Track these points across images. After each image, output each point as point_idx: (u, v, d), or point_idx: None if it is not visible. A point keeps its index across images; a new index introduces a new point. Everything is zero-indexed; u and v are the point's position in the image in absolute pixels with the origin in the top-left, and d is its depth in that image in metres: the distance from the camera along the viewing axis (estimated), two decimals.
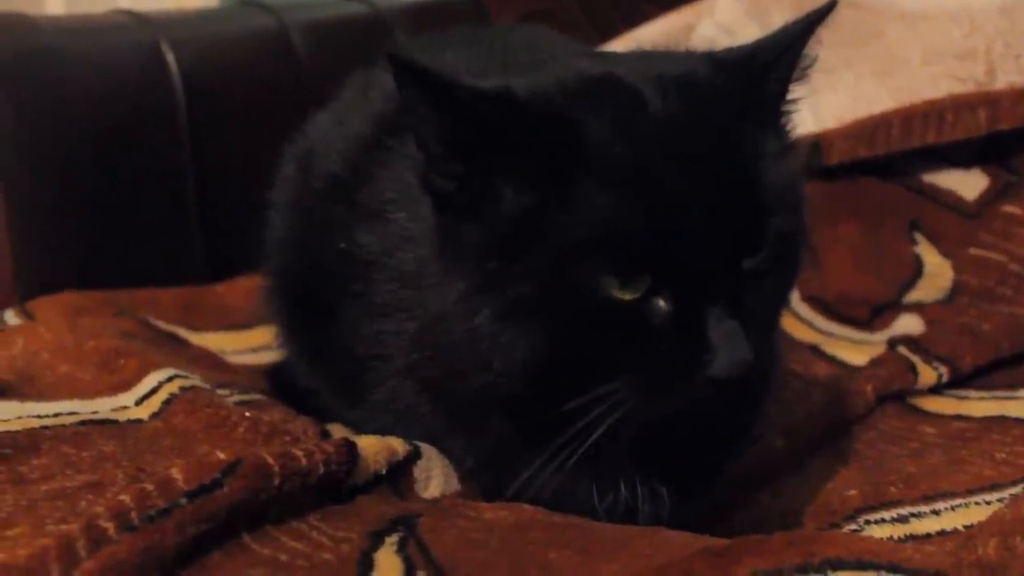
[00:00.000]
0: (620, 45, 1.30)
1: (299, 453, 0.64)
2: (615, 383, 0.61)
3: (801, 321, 1.10)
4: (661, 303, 0.61)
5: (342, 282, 0.76)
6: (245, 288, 1.11)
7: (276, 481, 0.61)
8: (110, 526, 0.57)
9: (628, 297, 0.60)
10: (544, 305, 0.61)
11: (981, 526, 0.64)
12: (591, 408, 0.62)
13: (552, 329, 0.61)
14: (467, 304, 0.63)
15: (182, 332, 1.04)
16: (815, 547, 0.56)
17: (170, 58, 1.17)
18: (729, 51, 0.68)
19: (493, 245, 0.62)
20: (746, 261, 0.62)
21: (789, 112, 0.70)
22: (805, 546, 0.56)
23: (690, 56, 0.69)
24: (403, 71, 0.60)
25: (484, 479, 0.72)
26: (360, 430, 0.81)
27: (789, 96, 0.69)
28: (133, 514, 0.57)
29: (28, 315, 1.00)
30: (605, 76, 0.64)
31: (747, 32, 1.25)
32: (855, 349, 1.04)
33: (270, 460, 0.62)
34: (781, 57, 0.66)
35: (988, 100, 1.10)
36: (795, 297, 1.13)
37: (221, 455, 0.63)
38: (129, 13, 1.24)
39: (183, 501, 0.58)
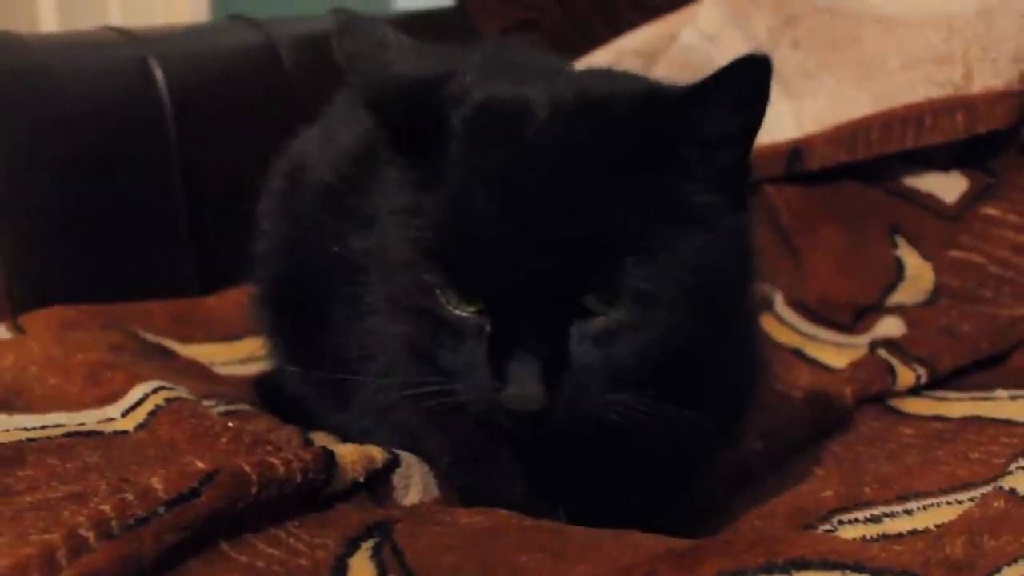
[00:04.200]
0: (604, 53, 1.31)
1: (277, 462, 0.65)
2: (450, 380, 0.64)
3: (784, 324, 1.11)
4: (487, 326, 0.62)
5: (332, 286, 0.79)
6: (235, 300, 1.13)
7: (253, 489, 0.63)
8: (90, 535, 0.58)
9: (460, 312, 0.63)
10: (401, 304, 0.66)
11: (950, 525, 0.65)
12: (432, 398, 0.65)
13: (409, 323, 0.66)
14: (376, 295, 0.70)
15: (172, 344, 1.05)
16: (779, 547, 0.57)
17: (158, 74, 1.19)
18: (673, 88, 0.65)
19: (377, 245, 0.68)
20: (600, 308, 0.61)
21: (741, 178, 0.66)
22: (769, 546, 0.57)
23: (633, 83, 0.68)
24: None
25: (460, 479, 0.73)
26: (344, 433, 0.83)
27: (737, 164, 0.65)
28: (113, 523, 0.59)
29: (19, 329, 1.02)
30: (503, 97, 0.64)
31: (729, 39, 1.27)
32: (837, 352, 1.05)
33: (247, 469, 0.63)
34: (712, 112, 0.62)
35: (966, 104, 1.11)
36: (778, 300, 1.14)
37: (200, 464, 0.64)
38: (117, 30, 1.25)
39: (161, 510, 0.59)
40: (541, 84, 0.65)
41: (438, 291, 0.63)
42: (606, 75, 0.76)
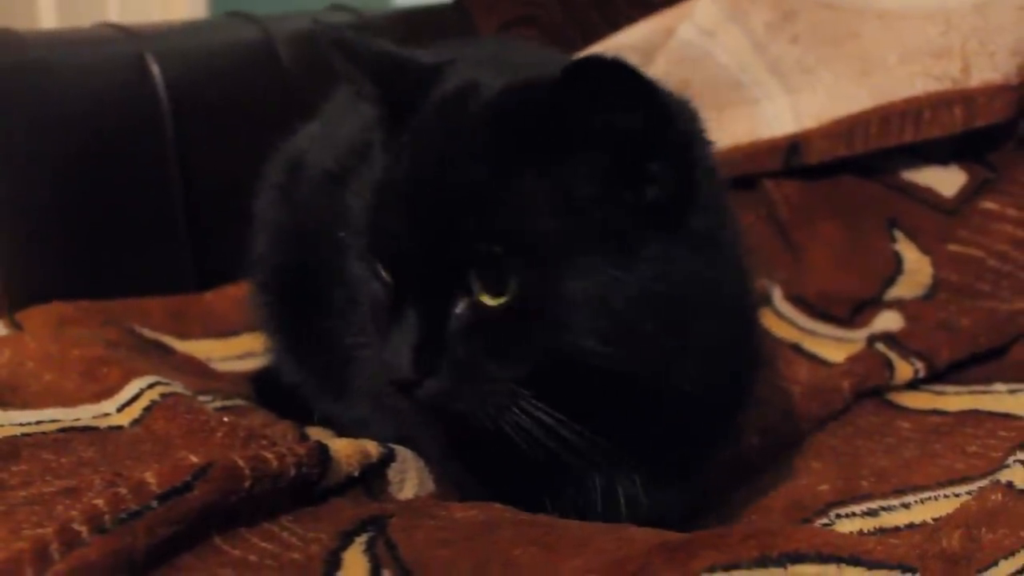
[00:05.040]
0: (601, 49, 1.31)
1: (270, 456, 0.65)
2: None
3: (783, 319, 1.11)
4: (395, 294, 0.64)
5: (333, 271, 0.79)
6: (232, 296, 1.13)
7: (246, 484, 0.63)
8: (83, 529, 0.58)
9: (386, 279, 0.64)
10: (361, 274, 0.68)
11: (947, 518, 0.65)
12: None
13: (367, 296, 0.68)
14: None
15: (169, 340, 1.06)
16: (774, 540, 0.57)
17: (155, 70, 1.18)
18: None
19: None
20: (482, 292, 0.61)
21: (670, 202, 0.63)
22: (764, 539, 0.57)
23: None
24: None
25: (452, 472, 0.73)
26: (340, 421, 0.84)
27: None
28: (106, 517, 0.59)
29: (17, 325, 1.02)
30: (464, 82, 0.66)
31: (726, 34, 1.26)
32: (836, 346, 1.04)
33: (240, 463, 0.63)
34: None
35: (964, 97, 1.11)
36: (777, 295, 1.13)
37: (194, 459, 0.64)
38: (114, 26, 1.25)
39: (154, 504, 0.59)
40: (508, 74, 0.66)
41: (375, 257, 0.65)
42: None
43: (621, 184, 0.61)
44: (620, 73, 0.58)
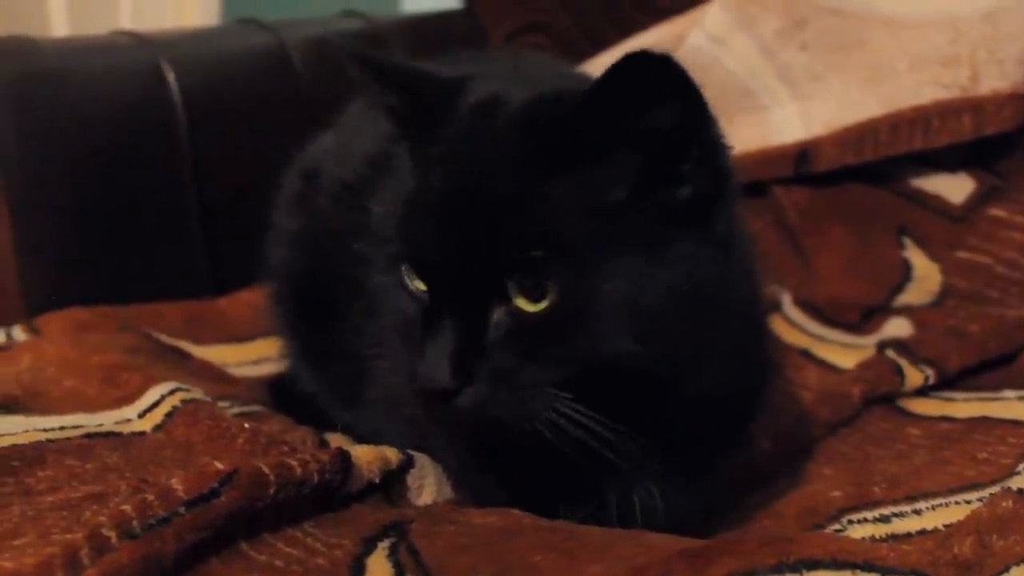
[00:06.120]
0: (611, 56, 1.31)
1: (294, 463, 0.66)
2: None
3: (792, 325, 1.12)
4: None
5: (349, 283, 0.80)
6: (247, 302, 1.14)
7: (271, 490, 0.64)
8: (112, 535, 0.59)
9: (419, 289, 0.65)
10: (386, 283, 0.70)
11: (959, 525, 0.66)
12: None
13: (391, 304, 0.69)
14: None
15: (185, 345, 1.07)
16: (790, 547, 0.58)
17: (170, 76, 1.20)
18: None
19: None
20: (521, 298, 0.62)
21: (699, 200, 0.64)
22: (780, 546, 0.58)
23: (579, 83, 0.69)
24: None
25: (468, 482, 0.74)
26: (356, 431, 0.85)
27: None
28: (135, 523, 0.60)
29: (35, 331, 1.03)
30: (489, 95, 0.67)
31: (735, 41, 1.27)
32: (845, 352, 1.05)
33: (266, 470, 0.64)
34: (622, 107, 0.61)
35: (973, 106, 1.12)
36: (787, 301, 1.14)
37: (219, 465, 0.65)
38: (129, 33, 1.26)
39: (182, 510, 0.60)
40: (529, 86, 0.67)
41: (404, 267, 0.65)
42: (579, 78, 0.77)
43: (654, 184, 0.63)
44: (669, 69, 0.59)
